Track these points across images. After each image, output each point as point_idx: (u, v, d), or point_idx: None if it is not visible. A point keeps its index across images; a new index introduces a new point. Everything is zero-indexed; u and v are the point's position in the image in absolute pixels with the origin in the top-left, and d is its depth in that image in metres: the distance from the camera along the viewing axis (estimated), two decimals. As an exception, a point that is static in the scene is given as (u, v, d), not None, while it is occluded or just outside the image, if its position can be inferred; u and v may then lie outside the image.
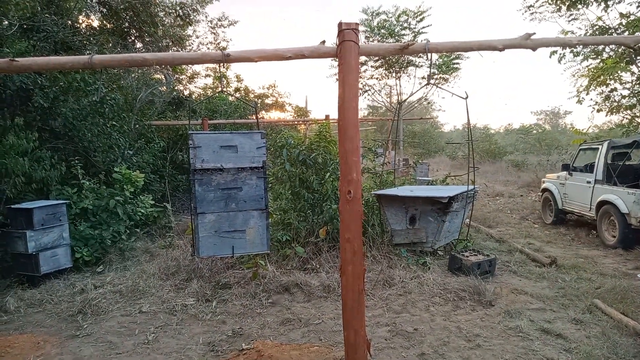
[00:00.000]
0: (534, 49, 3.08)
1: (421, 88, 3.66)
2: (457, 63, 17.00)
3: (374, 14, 16.86)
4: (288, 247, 6.30)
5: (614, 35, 10.95)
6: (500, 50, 3.05)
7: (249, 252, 3.49)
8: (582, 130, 13.48)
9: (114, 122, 8.38)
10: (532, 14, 13.04)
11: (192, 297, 5.20)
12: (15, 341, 4.16)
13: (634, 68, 11.42)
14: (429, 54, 3.10)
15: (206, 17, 16.61)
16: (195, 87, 18.69)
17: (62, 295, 5.35)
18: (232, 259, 6.11)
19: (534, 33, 2.98)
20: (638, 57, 11.02)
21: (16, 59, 2.96)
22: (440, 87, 3.55)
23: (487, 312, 4.70)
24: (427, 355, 3.80)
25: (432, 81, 3.49)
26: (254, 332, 4.34)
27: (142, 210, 7.66)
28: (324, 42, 3.02)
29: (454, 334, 4.20)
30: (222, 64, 3.09)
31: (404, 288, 5.38)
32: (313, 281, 5.47)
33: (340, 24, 2.88)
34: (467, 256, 6.00)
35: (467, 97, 3.64)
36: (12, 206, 5.87)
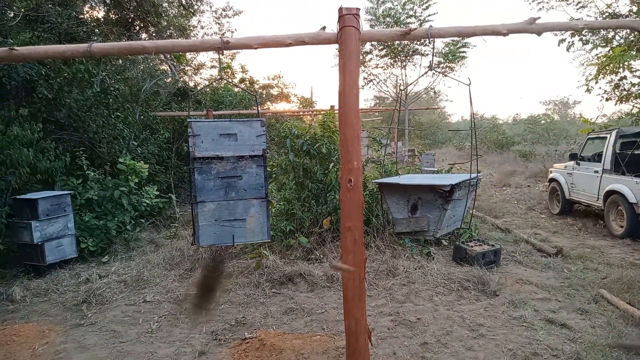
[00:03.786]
0: (538, 34, 3.00)
1: (424, 74, 3.61)
2: (464, 51, 16.71)
3: (380, 1, 16.61)
4: (292, 237, 6.29)
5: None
6: (505, 35, 2.98)
7: (249, 240, 3.48)
8: (591, 119, 13.27)
9: (118, 113, 8.39)
10: (539, 3, 12.81)
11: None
12: (21, 330, 4.21)
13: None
14: (432, 40, 3.04)
15: (210, 7, 16.57)
16: (201, 78, 18.69)
17: (67, 284, 5.40)
18: (235, 249, 6.12)
19: (539, 17, 2.91)
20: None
21: (15, 47, 2.94)
22: (443, 74, 3.51)
23: (491, 302, 4.67)
24: (429, 345, 3.78)
25: (436, 69, 3.44)
26: (257, 321, 4.35)
27: (147, 201, 7.69)
28: (324, 28, 2.96)
29: (457, 323, 4.18)
30: (222, 52, 3.05)
31: (408, 278, 5.36)
32: (316, 271, 5.47)
33: (340, 9, 2.82)
34: (472, 246, 5.96)
35: (470, 84, 3.58)
36: (18, 197, 5.91)
